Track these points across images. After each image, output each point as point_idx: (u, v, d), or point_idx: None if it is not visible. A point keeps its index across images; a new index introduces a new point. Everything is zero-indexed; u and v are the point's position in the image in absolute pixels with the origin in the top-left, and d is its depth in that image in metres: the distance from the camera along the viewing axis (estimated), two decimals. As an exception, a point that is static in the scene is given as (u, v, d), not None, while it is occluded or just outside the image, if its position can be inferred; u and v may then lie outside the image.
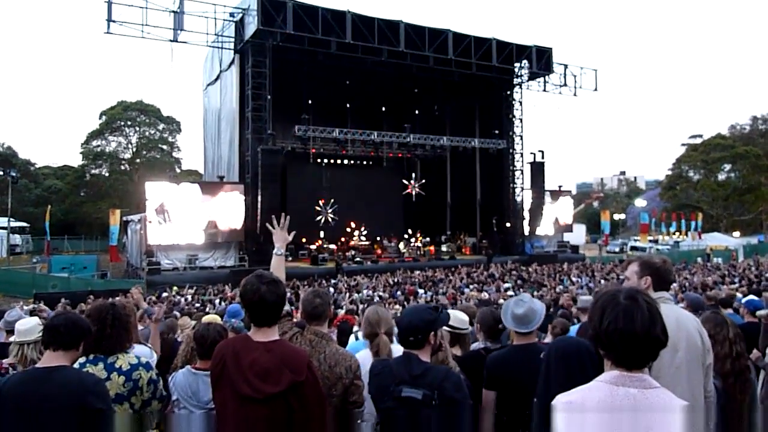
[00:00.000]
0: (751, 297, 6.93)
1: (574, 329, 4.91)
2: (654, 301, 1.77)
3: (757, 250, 37.61)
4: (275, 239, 3.35)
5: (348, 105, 32.43)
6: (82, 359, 2.84)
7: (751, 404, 3.57)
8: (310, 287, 20.52)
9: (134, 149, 48.94)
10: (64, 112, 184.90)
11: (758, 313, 4.93)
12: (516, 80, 31.12)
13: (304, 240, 29.18)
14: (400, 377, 2.51)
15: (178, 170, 49.91)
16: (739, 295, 10.05)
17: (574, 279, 19.95)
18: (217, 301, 16.49)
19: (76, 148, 57.81)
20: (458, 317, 3.93)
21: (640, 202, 60.28)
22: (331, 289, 19.30)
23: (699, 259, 31.82)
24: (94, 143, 47.93)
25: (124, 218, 30.91)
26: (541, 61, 29.72)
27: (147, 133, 49.50)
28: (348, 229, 30.63)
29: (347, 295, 15.89)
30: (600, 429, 1.59)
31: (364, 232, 30.81)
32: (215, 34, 24.57)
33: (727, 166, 52.75)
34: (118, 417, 2.71)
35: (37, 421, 2.32)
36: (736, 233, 49.50)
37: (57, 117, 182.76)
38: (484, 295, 13.69)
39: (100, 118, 47.92)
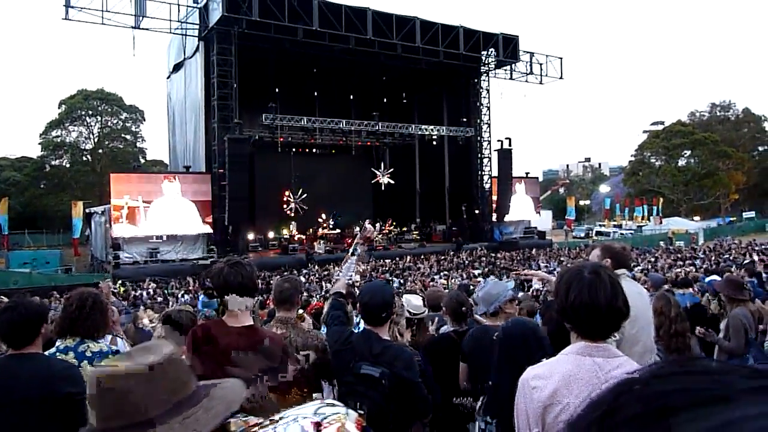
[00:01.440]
0: (713, 277, 7.21)
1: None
2: (616, 275, 1.85)
3: (716, 233, 38.89)
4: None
5: (316, 93, 32.17)
6: (52, 349, 2.80)
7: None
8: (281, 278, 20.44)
9: (96, 139, 47.63)
10: (20, 101, 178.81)
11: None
12: (483, 68, 31.31)
13: (272, 231, 29.02)
14: (361, 354, 2.59)
15: (142, 160, 48.85)
16: (700, 275, 10.44)
17: (542, 264, 20.33)
18: (180, 294, 16.27)
19: (35, 139, 55.90)
20: (413, 302, 4.00)
21: (604, 188, 61.56)
22: (302, 279, 19.26)
23: (662, 243, 32.73)
24: (54, 133, 46.49)
25: (87, 210, 30.12)
26: (507, 49, 29.96)
27: (109, 123, 48.24)
28: (319, 218, 30.49)
29: (319, 285, 15.88)
30: (568, 395, 1.67)
31: (333, 222, 30.68)
32: (179, 21, 24.05)
33: (687, 152, 54.14)
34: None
35: (7, 411, 2.29)
36: (696, 217, 51.01)
37: (13, 106, 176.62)
38: (455, 282, 13.86)
39: (59, 108, 46.47)
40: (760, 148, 58.58)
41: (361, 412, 2.45)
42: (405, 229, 32.19)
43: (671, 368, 0.38)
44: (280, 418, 1.11)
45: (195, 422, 1.05)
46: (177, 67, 27.88)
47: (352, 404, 2.48)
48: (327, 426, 1.09)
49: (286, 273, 21.46)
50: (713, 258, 18.40)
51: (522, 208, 34.03)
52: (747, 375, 0.35)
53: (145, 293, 16.67)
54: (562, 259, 22.62)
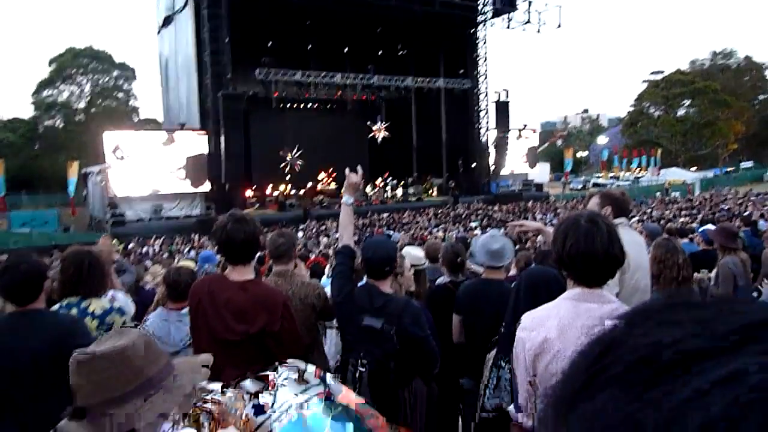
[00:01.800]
0: (707, 226, 7.28)
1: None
2: (612, 223, 1.88)
3: (713, 184, 38.91)
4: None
5: (309, 47, 31.54)
6: (56, 306, 2.85)
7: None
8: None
9: (88, 98, 47.00)
10: (9, 60, 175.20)
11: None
12: (480, 18, 30.64)
13: (270, 186, 28.96)
14: (362, 307, 2.61)
15: (136, 119, 48.35)
16: (695, 225, 10.52)
17: (538, 216, 20.42)
18: (186, 249, 16.42)
19: (27, 99, 55.09)
20: (413, 254, 4.05)
21: (602, 140, 61.18)
22: (300, 234, 19.37)
23: (658, 194, 32.79)
24: (45, 93, 45.85)
25: (84, 170, 29.98)
26: (504, -3, 29.27)
27: (100, 81, 47.50)
28: (319, 176, 30.39)
29: (317, 240, 15.99)
30: (560, 342, 1.72)
31: (332, 176, 30.61)
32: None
33: (687, 102, 53.58)
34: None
35: (20, 367, 2.32)
36: (694, 168, 50.93)
37: (2, 67, 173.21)
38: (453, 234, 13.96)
39: (49, 66, 45.69)
40: (761, 97, 57.96)
41: (362, 369, 2.50)
42: (403, 184, 32.11)
43: (660, 315, 0.35)
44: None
45: (161, 400, 1.19)
46: (167, 21, 27.22)
47: (353, 361, 2.55)
48: (285, 383, 1.30)
49: (283, 229, 21.59)
50: (708, 208, 18.49)
51: (519, 161, 33.92)
52: (743, 322, 0.32)
53: (151, 250, 16.85)
54: (559, 211, 22.70)
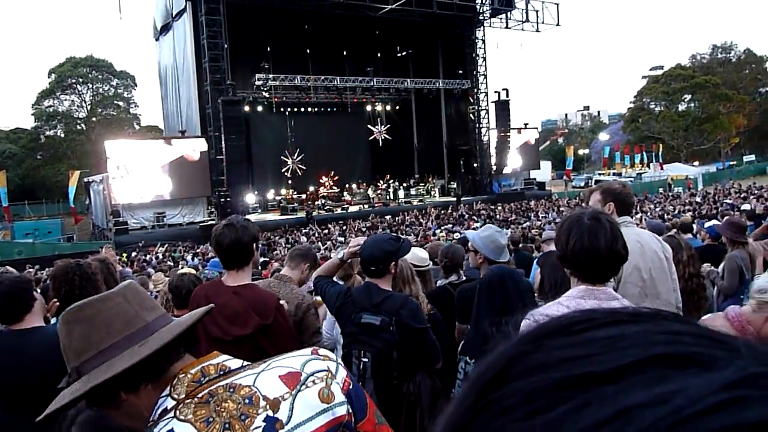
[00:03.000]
0: (714, 222, 7.25)
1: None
2: (615, 220, 1.88)
3: (716, 178, 38.82)
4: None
5: (308, 51, 31.60)
6: (53, 320, 2.82)
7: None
8: (282, 238, 20.59)
9: (89, 107, 47.11)
10: (9, 71, 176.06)
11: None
12: (478, 18, 30.66)
13: (272, 191, 29.00)
14: (361, 305, 2.66)
15: (137, 127, 48.43)
16: (698, 220, 10.49)
17: (541, 215, 20.39)
18: (189, 257, 16.43)
19: (27, 110, 55.27)
20: (418, 255, 4.03)
21: (603, 136, 61.17)
22: (303, 238, 19.38)
23: (660, 189, 32.73)
24: (46, 103, 45.98)
25: (86, 179, 30.12)
26: (502, -4, 29.30)
27: (101, 90, 47.60)
28: (320, 179, 30.43)
29: (320, 243, 16.00)
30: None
31: (333, 179, 30.64)
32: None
33: (688, 97, 53.47)
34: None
35: (19, 382, 2.30)
36: (696, 162, 50.83)
37: (2, 77, 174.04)
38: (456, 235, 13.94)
39: (49, 77, 45.80)
40: (762, 90, 57.83)
41: (365, 360, 2.54)
42: (406, 185, 32.10)
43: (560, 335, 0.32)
44: (266, 365, 1.12)
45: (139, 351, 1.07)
46: (165, 29, 27.30)
47: (356, 353, 2.60)
48: (309, 385, 1.10)
49: (287, 234, 21.60)
50: (710, 202, 18.44)
51: (520, 160, 33.91)
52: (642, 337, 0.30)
53: (154, 258, 16.86)
54: (561, 209, 22.67)
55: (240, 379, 1.07)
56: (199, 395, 1.04)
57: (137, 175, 23.20)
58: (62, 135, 46.32)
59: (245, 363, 1.13)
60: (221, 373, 1.09)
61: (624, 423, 0.25)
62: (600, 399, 0.27)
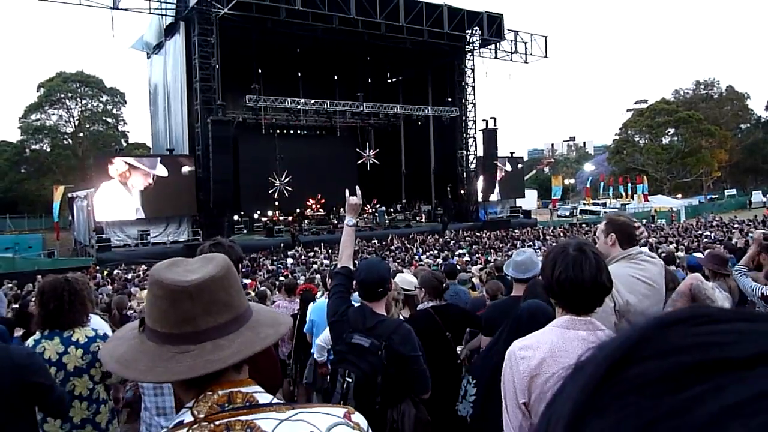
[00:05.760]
0: (696, 254, 7.35)
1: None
2: (599, 251, 1.92)
3: (698, 211, 39.41)
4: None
5: (299, 74, 31.85)
6: (37, 335, 2.80)
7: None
8: (267, 259, 20.47)
9: (77, 123, 46.85)
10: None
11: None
12: (467, 47, 31.16)
13: (258, 212, 28.89)
14: (355, 326, 2.68)
15: (124, 144, 48.23)
16: (680, 253, 10.61)
17: (526, 243, 20.49)
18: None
19: (14, 123, 54.80)
20: (407, 279, 4.05)
21: (588, 167, 61.97)
22: (289, 260, 19.29)
23: (644, 221, 33.10)
24: (33, 117, 45.64)
25: (70, 194, 29.81)
26: (492, 27, 29.82)
27: (89, 106, 47.42)
28: (307, 202, 30.38)
29: (306, 266, 15.93)
30: (554, 365, 1.72)
31: (320, 202, 30.61)
32: (158, 0, 23.58)
33: (671, 130, 54.54)
34: (78, 386, 2.73)
35: None
36: (679, 195, 51.61)
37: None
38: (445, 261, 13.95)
39: (38, 91, 45.60)
40: (743, 126, 59.17)
41: (349, 380, 2.53)
42: (392, 209, 32.20)
43: (695, 321, 0.33)
44: (293, 414, 1.03)
45: (250, 341, 1.04)
46: (157, 48, 27.40)
47: (341, 371, 2.61)
48: None
49: (272, 256, 21.47)
50: (694, 235, 18.68)
51: (507, 188, 34.17)
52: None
53: (135, 277, 16.61)
54: (546, 237, 22.83)
55: (261, 421, 0.99)
56: (217, 422, 0.97)
57: (123, 192, 23.01)
58: (48, 149, 45.93)
59: (274, 400, 1.04)
60: (247, 405, 1.01)
61: (765, 403, 0.26)
62: (738, 382, 0.28)
